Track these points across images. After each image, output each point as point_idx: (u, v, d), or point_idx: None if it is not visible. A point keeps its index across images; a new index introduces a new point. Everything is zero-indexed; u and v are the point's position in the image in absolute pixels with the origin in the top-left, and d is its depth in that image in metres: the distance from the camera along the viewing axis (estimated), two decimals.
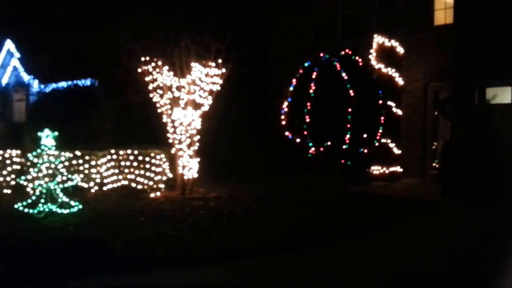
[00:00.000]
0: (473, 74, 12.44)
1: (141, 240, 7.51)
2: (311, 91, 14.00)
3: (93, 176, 11.64)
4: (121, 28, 13.63)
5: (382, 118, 14.23)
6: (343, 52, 14.59)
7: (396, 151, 14.72)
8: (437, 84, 14.58)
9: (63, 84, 16.89)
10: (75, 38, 15.18)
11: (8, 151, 11.67)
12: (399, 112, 14.90)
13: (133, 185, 11.74)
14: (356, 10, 16.07)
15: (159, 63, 11.65)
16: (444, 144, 12.57)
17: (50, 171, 9.46)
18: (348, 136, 13.58)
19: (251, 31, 16.17)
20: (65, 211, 9.38)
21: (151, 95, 11.95)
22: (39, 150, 9.60)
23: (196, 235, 7.84)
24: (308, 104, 13.94)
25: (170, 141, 11.99)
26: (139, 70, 11.82)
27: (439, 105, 14.53)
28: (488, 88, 12.70)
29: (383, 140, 14.39)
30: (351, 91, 13.65)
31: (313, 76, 14.13)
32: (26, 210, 9.32)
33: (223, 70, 11.81)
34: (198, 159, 12.04)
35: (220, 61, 11.76)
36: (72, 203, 9.57)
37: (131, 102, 14.21)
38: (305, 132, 14.01)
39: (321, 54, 14.59)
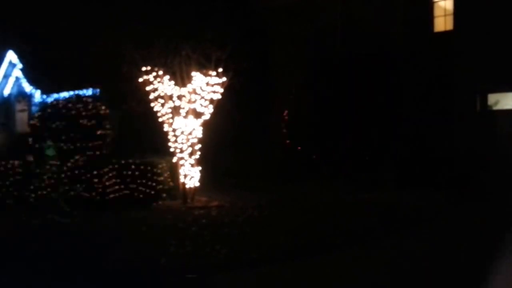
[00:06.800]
0: (474, 80, 12.45)
1: (144, 250, 7.51)
2: (312, 98, 14.02)
3: (95, 185, 11.62)
4: (122, 38, 13.68)
5: (384, 124, 14.21)
6: (342, 60, 14.61)
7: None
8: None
9: (65, 94, 16.94)
10: (76, 48, 15.26)
11: (11, 161, 11.69)
12: None
13: (135, 194, 11.73)
14: (355, 18, 16.10)
15: (160, 72, 11.69)
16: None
17: (53, 181, 9.47)
18: (350, 143, 13.57)
19: (251, 40, 16.21)
20: (68, 221, 9.39)
21: (152, 104, 11.98)
22: (41, 160, 9.63)
23: (198, 244, 7.84)
24: (309, 112, 13.95)
25: (172, 150, 12.00)
26: (140, 79, 11.86)
27: None
28: (490, 94, 12.70)
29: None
30: (352, 98, 13.68)
31: (314, 84, 14.16)
32: (29, 220, 9.34)
33: (224, 79, 11.85)
34: (200, 168, 12.04)
35: (220, 70, 11.80)
36: (74, 213, 9.58)
37: (133, 111, 14.23)
38: (307, 140, 14.02)
39: (321, 62, 14.63)
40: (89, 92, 16.39)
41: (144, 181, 11.67)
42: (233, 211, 10.75)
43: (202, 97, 11.79)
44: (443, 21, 14.54)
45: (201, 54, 11.96)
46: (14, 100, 21.17)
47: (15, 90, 21.14)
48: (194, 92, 11.72)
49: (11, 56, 21.03)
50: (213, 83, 11.78)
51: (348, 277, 6.47)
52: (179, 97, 11.75)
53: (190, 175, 11.86)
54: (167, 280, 6.39)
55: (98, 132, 12.13)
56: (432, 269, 6.76)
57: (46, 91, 18.37)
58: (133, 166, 11.76)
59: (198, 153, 12.03)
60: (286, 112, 14.71)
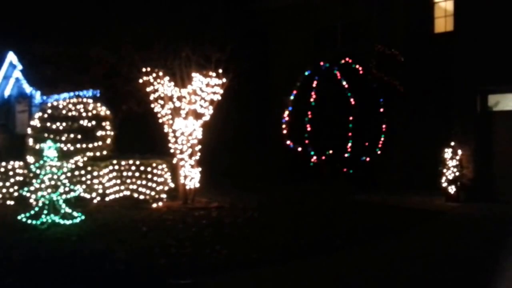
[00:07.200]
0: (474, 81, 12.43)
1: (144, 251, 7.52)
2: (311, 100, 14.00)
3: (96, 186, 11.64)
4: (123, 39, 13.71)
5: (384, 126, 14.21)
6: (343, 61, 14.59)
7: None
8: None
9: (65, 95, 16.97)
10: (76, 49, 15.27)
11: (11, 162, 11.71)
12: None
13: (135, 195, 11.74)
14: (356, 19, 16.10)
15: (160, 73, 11.70)
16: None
17: (53, 182, 9.48)
18: (349, 144, 13.57)
19: (251, 41, 16.23)
20: (68, 222, 9.41)
21: (152, 105, 11.99)
22: (41, 161, 9.63)
23: (198, 245, 7.84)
24: (309, 112, 13.94)
25: (172, 151, 12.01)
26: (140, 80, 11.87)
27: None
28: (490, 95, 12.69)
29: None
30: (352, 100, 13.66)
31: (314, 85, 14.14)
32: (29, 221, 9.35)
33: (224, 80, 11.86)
34: (200, 169, 12.05)
35: (220, 71, 11.82)
36: (75, 214, 9.59)
37: (133, 112, 14.27)
38: (307, 141, 14.00)
39: (321, 63, 14.60)
40: (89, 93, 16.43)
41: (144, 182, 11.68)
42: (233, 212, 10.76)
43: (202, 98, 11.80)
44: (443, 22, 14.53)
45: (201, 55, 11.97)
46: (14, 101, 21.24)
47: (15, 91, 21.20)
48: (194, 93, 11.73)
49: (11, 57, 21.08)
50: (213, 84, 11.79)
51: (348, 277, 6.47)
52: (179, 98, 11.76)
53: (190, 176, 11.87)
54: (167, 281, 6.38)
55: (98, 133, 12.14)
56: (432, 269, 6.76)
57: (46, 92, 18.40)
58: (133, 167, 11.76)
59: (198, 154, 12.04)
60: (286, 112, 14.67)
